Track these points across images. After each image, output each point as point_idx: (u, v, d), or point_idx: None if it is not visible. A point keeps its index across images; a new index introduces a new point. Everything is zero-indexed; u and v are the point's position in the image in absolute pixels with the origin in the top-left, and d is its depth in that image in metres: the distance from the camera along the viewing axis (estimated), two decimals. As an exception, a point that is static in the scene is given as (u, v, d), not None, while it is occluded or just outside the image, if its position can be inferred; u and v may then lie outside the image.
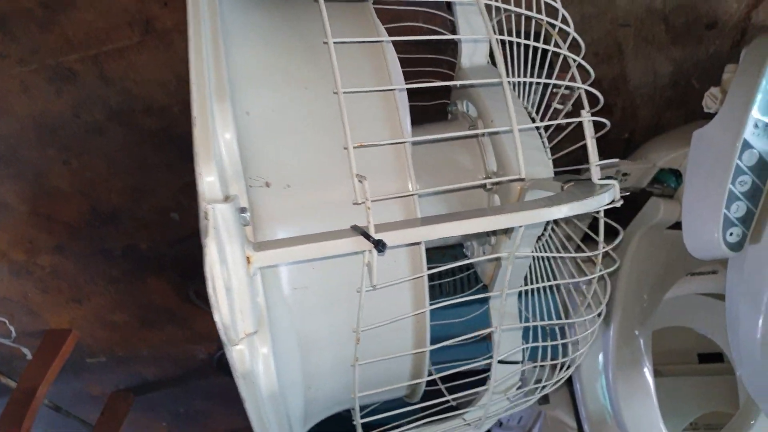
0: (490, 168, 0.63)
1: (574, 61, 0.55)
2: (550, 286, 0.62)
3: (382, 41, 0.47)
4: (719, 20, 0.81)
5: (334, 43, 0.41)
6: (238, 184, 0.39)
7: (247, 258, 0.35)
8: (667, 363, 1.22)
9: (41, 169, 0.93)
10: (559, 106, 0.65)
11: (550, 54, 0.60)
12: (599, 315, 0.57)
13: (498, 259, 0.62)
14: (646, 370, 0.93)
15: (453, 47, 0.74)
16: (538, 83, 0.64)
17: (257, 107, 0.44)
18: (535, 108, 0.65)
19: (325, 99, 0.44)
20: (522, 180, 0.48)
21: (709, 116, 0.76)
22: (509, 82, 0.65)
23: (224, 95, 0.38)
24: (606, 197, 0.45)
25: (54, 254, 1.06)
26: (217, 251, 0.33)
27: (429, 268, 0.46)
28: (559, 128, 0.61)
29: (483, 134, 0.61)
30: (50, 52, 0.78)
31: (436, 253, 0.84)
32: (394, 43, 0.50)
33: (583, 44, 0.55)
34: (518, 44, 0.61)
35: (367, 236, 0.36)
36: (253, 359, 0.38)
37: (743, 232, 0.74)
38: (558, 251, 0.63)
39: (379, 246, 0.35)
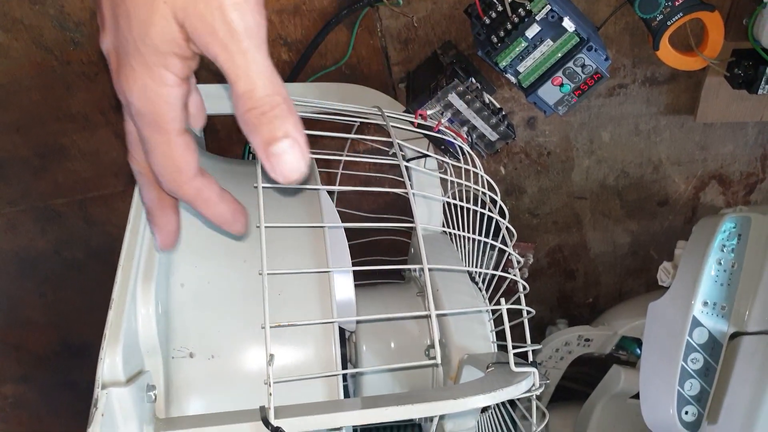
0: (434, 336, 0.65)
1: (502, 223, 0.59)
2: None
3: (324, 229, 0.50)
4: (670, 199, 0.85)
5: (267, 226, 0.44)
6: (154, 358, 0.41)
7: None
8: None
9: (16, 301, 0.95)
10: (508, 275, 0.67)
11: (494, 223, 0.63)
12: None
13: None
14: None
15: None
16: (490, 250, 0.67)
17: (193, 278, 0.47)
18: (485, 284, 0.68)
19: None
20: (437, 365, 0.49)
21: (669, 285, 0.78)
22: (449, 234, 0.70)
23: (151, 277, 0.40)
24: (523, 385, 0.46)
25: (18, 384, 1.05)
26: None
27: None
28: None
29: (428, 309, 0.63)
30: (39, 195, 0.84)
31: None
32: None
33: (507, 211, 0.59)
34: (468, 210, 0.66)
35: (267, 422, 0.37)
36: None
37: (699, 412, 0.73)
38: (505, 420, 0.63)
39: (277, 433, 0.36)
